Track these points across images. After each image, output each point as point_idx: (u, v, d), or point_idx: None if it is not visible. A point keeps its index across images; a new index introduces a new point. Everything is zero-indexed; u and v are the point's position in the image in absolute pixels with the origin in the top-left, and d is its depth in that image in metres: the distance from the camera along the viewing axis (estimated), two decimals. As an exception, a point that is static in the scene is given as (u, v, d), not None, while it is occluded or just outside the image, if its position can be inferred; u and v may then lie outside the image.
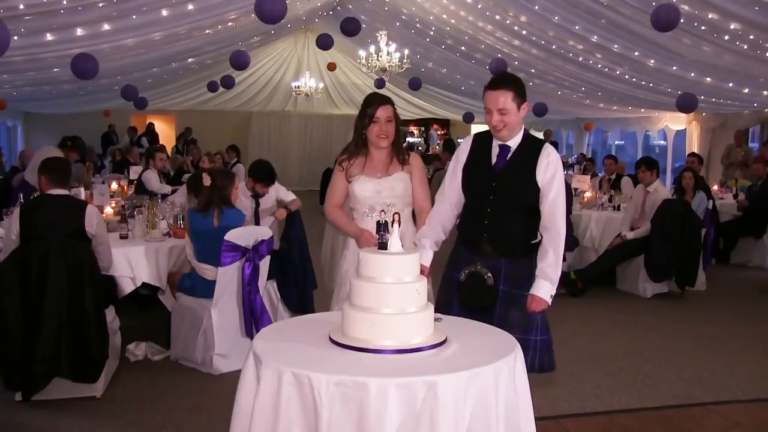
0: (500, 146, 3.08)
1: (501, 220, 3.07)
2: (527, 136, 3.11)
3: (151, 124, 18.49)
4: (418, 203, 3.61)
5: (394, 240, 2.45)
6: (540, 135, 17.52)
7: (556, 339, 5.49)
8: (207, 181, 4.79)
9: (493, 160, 3.09)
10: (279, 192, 5.86)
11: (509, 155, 3.07)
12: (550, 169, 3.03)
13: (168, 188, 8.03)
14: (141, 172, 8.32)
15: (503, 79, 3.05)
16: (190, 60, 13.01)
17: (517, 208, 3.08)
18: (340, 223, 3.62)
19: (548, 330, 3.25)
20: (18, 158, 10.34)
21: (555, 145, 16.23)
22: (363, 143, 3.55)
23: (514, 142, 3.07)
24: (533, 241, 3.12)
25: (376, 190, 3.52)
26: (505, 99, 2.97)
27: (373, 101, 3.52)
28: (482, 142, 3.16)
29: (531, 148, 3.07)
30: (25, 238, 4.03)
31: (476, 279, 3.07)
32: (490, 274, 3.06)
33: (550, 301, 3.11)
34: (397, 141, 3.58)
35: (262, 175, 5.75)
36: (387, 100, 3.54)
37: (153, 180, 8.00)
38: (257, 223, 5.65)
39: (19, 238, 4.05)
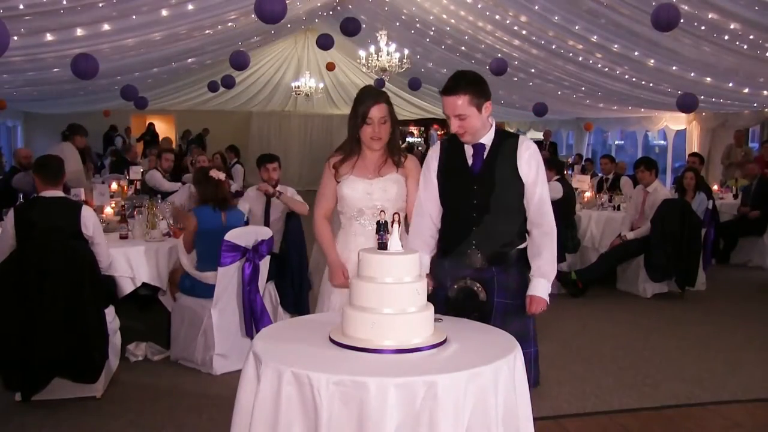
0: (474, 146, 2.88)
1: (488, 224, 2.86)
2: (500, 132, 2.91)
3: (151, 124, 18.51)
4: (411, 208, 3.21)
5: (394, 240, 2.45)
6: (539, 135, 17.55)
7: (556, 339, 5.53)
8: (221, 175, 4.81)
9: (469, 161, 2.89)
10: (294, 197, 5.81)
11: (485, 154, 2.87)
12: (533, 162, 2.84)
13: (177, 185, 8.04)
14: (146, 170, 8.35)
15: (458, 81, 2.78)
16: (190, 60, 13.01)
17: (504, 209, 2.88)
18: (323, 241, 3.26)
19: (532, 343, 2.99)
20: (14, 158, 10.28)
21: (554, 146, 16.23)
22: (357, 143, 3.20)
23: (486, 140, 2.87)
24: (522, 245, 2.95)
25: (366, 192, 3.17)
26: (462, 103, 2.74)
27: (366, 99, 3.12)
28: (452, 145, 2.94)
29: (507, 143, 2.87)
30: (21, 239, 4.03)
31: (467, 294, 2.86)
32: (480, 287, 2.86)
33: (548, 300, 2.94)
34: (392, 140, 3.21)
35: (259, 158, 5.90)
36: (381, 98, 3.14)
37: (158, 178, 8.03)
38: (267, 221, 5.66)
39: (16, 240, 4.05)
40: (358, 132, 3.15)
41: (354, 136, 3.18)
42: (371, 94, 3.17)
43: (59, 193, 4.24)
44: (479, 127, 2.82)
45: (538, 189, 2.88)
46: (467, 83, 2.77)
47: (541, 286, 2.90)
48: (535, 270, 2.92)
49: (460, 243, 2.91)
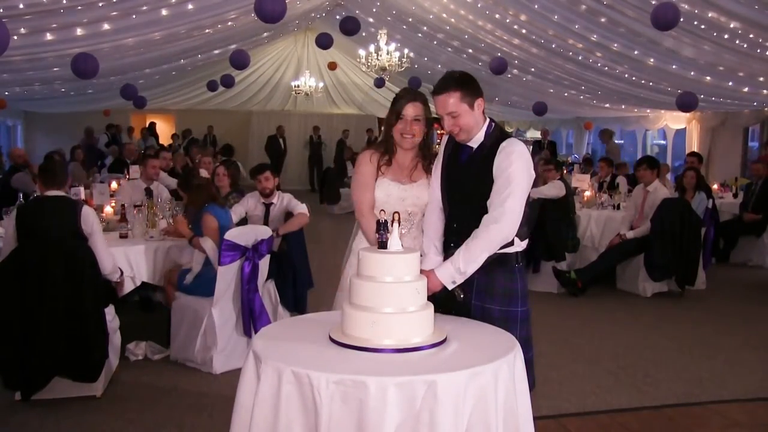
0: (462, 146, 2.91)
1: (463, 219, 2.81)
2: (490, 134, 2.85)
3: (152, 124, 18.47)
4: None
5: (394, 239, 2.45)
6: (538, 134, 17.54)
7: (556, 338, 5.52)
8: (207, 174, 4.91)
9: (460, 159, 2.91)
10: (291, 202, 5.80)
11: (472, 153, 2.87)
12: (505, 161, 2.74)
13: (173, 181, 8.04)
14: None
15: (447, 80, 2.81)
16: (189, 59, 13.01)
17: (480, 207, 2.77)
18: (371, 237, 3.08)
19: (529, 348, 2.85)
20: (9, 157, 10.22)
21: (553, 145, 16.21)
22: (391, 142, 3.16)
23: (477, 140, 2.86)
24: (511, 250, 2.82)
25: (400, 197, 3.12)
26: (453, 101, 2.76)
27: (403, 96, 3.14)
28: (452, 141, 2.96)
29: (491, 145, 2.82)
30: (22, 238, 4.03)
31: (447, 294, 2.77)
32: (459, 288, 2.78)
33: (450, 287, 2.74)
34: (425, 143, 3.18)
35: (251, 171, 5.90)
36: (418, 97, 3.14)
37: (162, 177, 8.02)
38: (266, 222, 5.66)
39: (17, 239, 4.05)
40: (392, 129, 3.13)
41: (388, 133, 3.16)
42: (409, 93, 3.18)
43: (60, 193, 4.24)
44: (473, 125, 2.83)
45: (498, 181, 2.74)
46: (456, 81, 2.80)
47: (445, 270, 2.74)
48: (455, 253, 2.75)
49: (444, 240, 2.93)
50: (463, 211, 2.86)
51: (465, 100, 2.78)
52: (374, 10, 12.63)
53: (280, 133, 18.46)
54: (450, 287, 2.75)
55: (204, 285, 4.66)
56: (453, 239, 2.87)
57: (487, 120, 2.89)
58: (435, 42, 12.75)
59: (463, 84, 2.79)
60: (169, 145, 16.08)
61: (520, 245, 2.87)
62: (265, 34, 13.35)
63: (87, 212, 4.19)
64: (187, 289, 4.80)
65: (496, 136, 2.85)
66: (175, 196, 6.79)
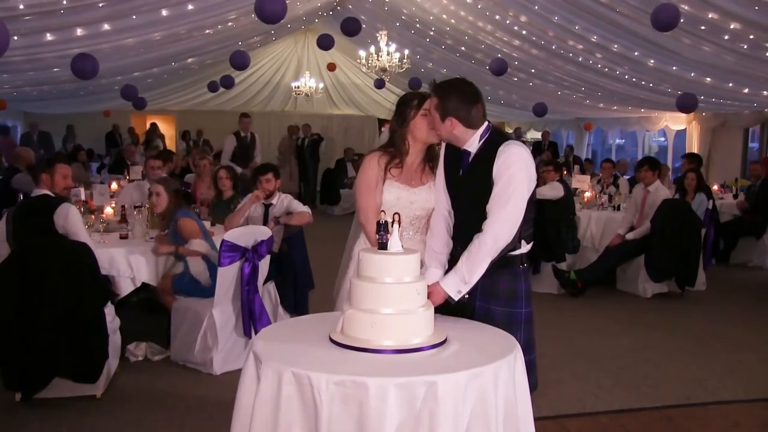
0: (461, 151, 2.85)
1: (469, 226, 2.77)
2: (487, 138, 2.81)
3: (154, 125, 18.44)
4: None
5: (393, 240, 2.45)
6: (539, 135, 17.53)
7: (556, 339, 5.52)
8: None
9: (461, 164, 2.87)
10: (292, 204, 5.79)
11: (470, 159, 2.83)
12: (503, 166, 2.71)
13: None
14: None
15: (436, 84, 2.83)
16: (190, 60, 13.02)
17: (482, 212, 2.73)
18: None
19: (532, 349, 2.85)
20: (11, 158, 10.21)
21: (554, 146, 16.21)
22: (403, 144, 3.03)
23: (471, 145, 2.81)
24: (515, 252, 2.81)
25: (409, 201, 3.00)
26: (432, 104, 2.81)
27: (415, 96, 3.02)
28: (453, 147, 2.92)
29: (489, 149, 2.77)
30: (17, 238, 4.04)
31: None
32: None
33: (456, 297, 2.72)
34: (432, 146, 3.08)
35: (253, 172, 5.91)
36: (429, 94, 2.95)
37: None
38: (265, 223, 5.66)
39: (13, 240, 4.06)
40: (407, 129, 3.00)
41: (402, 137, 3.02)
42: (417, 93, 3.06)
43: (41, 191, 4.23)
44: (446, 137, 2.83)
45: (497, 186, 2.71)
46: (438, 88, 2.80)
47: (451, 281, 2.73)
48: (458, 262, 2.75)
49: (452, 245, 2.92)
50: (467, 215, 2.85)
51: (438, 109, 2.78)
52: (374, 11, 12.63)
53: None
54: (456, 298, 2.72)
55: (204, 286, 4.66)
56: (459, 244, 2.85)
57: (485, 124, 2.84)
58: (435, 43, 12.76)
59: (442, 96, 2.77)
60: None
61: (525, 247, 2.86)
62: (256, 38, 13.33)
63: (60, 212, 4.13)
64: (185, 290, 4.79)
65: (495, 140, 2.80)
66: None
